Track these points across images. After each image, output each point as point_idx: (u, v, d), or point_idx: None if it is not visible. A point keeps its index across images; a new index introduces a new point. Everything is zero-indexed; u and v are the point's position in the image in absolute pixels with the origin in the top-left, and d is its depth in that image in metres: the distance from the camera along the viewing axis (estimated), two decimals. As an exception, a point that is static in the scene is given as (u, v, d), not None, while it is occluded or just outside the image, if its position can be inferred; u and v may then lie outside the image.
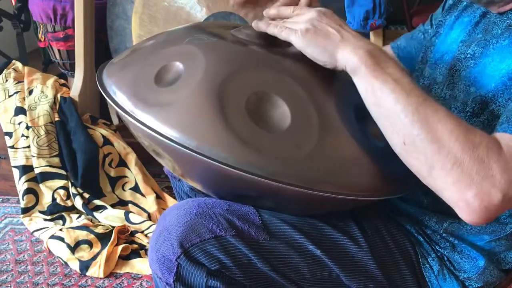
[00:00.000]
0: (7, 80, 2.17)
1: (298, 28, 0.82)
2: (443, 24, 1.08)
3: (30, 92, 2.11)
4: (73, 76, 2.22)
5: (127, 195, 2.03)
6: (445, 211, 0.95)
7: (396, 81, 0.75)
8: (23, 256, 1.80)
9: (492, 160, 0.70)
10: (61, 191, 1.97)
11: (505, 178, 0.70)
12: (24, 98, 2.10)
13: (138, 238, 1.84)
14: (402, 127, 0.74)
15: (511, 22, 0.89)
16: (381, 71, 0.76)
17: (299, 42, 0.82)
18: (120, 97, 0.84)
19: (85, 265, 1.71)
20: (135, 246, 1.80)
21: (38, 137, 2.01)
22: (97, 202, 1.97)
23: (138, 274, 1.70)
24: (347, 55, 0.79)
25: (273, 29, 0.86)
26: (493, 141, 0.73)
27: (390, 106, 0.75)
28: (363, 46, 0.79)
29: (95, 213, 1.91)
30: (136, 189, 2.04)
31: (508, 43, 0.87)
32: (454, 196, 0.72)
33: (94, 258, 1.72)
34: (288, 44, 0.92)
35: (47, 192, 1.97)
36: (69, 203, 1.97)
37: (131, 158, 2.08)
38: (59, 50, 2.28)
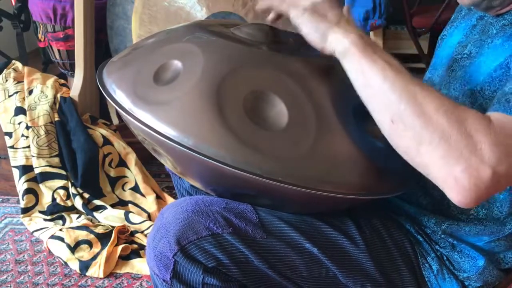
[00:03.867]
0: (7, 80, 2.17)
1: (300, 5, 0.83)
2: (446, 36, 1.09)
3: (30, 92, 2.11)
4: (73, 76, 2.22)
5: (127, 195, 2.03)
6: (444, 213, 0.95)
7: (386, 62, 0.76)
8: (23, 256, 1.80)
9: (480, 134, 0.69)
10: (61, 191, 1.97)
11: (494, 151, 0.69)
12: (24, 98, 2.10)
13: (138, 238, 1.84)
14: (389, 104, 0.74)
15: (507, 22, 0.90)
16: (371, 52, 0.77)
17: (296, 17, 0.83)
18: (119, 96, 0.84)
19: (85, 265, 1.71)
20: (135, 246, 1.80)
21: (38, 137, 2.01)
22: (97, 202, 1.97)
23: (138, 274, 1.70)
24: (338, 38, 0.80)
25: (275, 2, 0.87)
26: (482, 116, 0.72)
27: (378, 85, 0.75)
28: (355, 31, 0.80)
29: (95, 213, 1.91)
30: (136, 189, 2.04)
31: (502, 42, 0.87)
32: (442, 172, 0.70)
33: (94, 258, 1.72)
34: (287, 42, 0.92)
35: (47, 192, 1.97)
36: (69, 203, 1.97)
37: (131, 158, 2.08)
38: (59, 50, 2.29)
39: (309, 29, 0.82)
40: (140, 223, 1.87)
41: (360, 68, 0.77)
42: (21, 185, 1.97)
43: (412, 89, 0.73)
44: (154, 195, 2.01)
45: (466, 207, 0.72)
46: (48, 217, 1.93)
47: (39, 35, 2.34)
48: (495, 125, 0.71)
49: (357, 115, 0.84)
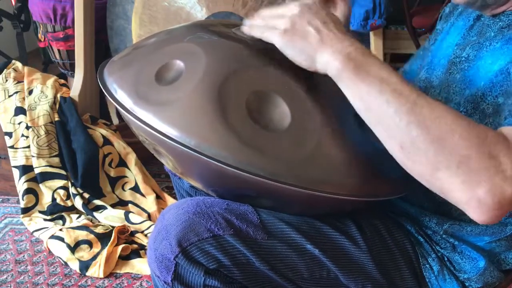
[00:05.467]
0: (7, 80, 2.17)
1: (278, 28, 0.77)
2: (440, 31, 1.08)
3: (30, 92, 2.11)
4: (73, 76, 2.22)
5: (127, 195, 2.03)
6: (446, 213, 0.95)
7: (383, 81, 0.71)
8: (23, 256, 1.80)
9: (501, 154, 0.67)
10: (61, 191, 1.97)
11: None
12: (24, 98, 2.10)
13: (138, 238, 1.84)
14: (397, 130, 0.70)
15: (504, 24, 0.89)
16: (366, 74, 0.72)
17: (279, 43, 0.78)
18: (121, 95, 0.83)
19: (85, 265, 1.71)
20: (135, 246, 1.80)
21: (38, 137, 2.01)
22: (97, 202, 1.97)
23: (138, 274, 1.70)
24: (327, 60, 0.74)
25: (256, 32, 0.81)
26: (499, 134, 0.70)
27: (381, 109, 0.70)
28: (342, 49, 0.74)
29: (95, 213, 1.92)
30: (136, 189, 2.04)
31: (501, 45, 0.87)
32: (464, 196, 0.68)
33: (94, 258, 1.72)
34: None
35: (47, 192, 1.97)
36: (69, 203, 1.97)
37: (131, 158, 2.08)
38: (59, 50, 2.29)
39: (294, 53, 0.77)
40: (140, 223, 1.87)
41: (358, 93, 0.72)
42: (21, 185, 1.97)
43: (420, 111, 0.69)
44: (154, 195, 2.02)
45: (489, 224, 0.70)
46: (48, 217, 1.93)
47: (39, 35, 2.34)
48: (511, 140, 0.70)
49: (359, 116, 0.84)
